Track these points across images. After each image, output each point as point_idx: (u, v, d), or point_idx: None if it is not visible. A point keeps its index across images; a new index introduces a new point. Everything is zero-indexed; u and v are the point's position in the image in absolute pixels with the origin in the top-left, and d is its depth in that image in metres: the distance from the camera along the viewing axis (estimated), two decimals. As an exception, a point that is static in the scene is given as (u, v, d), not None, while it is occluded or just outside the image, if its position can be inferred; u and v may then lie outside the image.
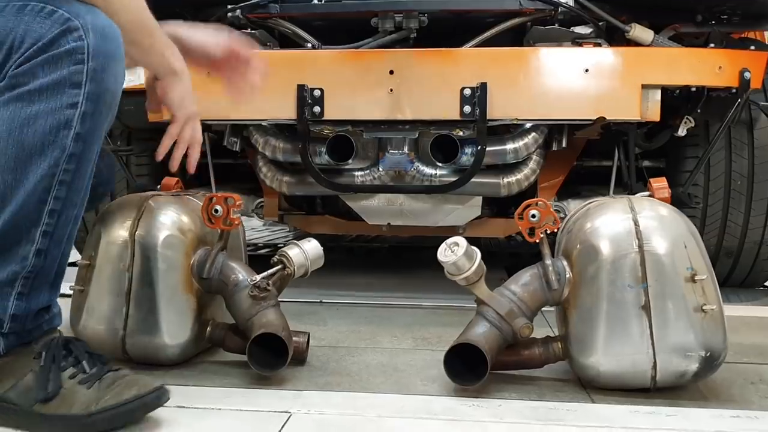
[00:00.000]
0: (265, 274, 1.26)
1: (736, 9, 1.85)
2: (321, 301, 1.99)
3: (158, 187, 1.57)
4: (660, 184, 1.40)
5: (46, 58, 0.96)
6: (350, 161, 1.89)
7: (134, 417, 1.01)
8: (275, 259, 1.29)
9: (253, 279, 1.24)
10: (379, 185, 1.96)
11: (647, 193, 1.40)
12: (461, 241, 1.20)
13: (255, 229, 4.01)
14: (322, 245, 1.37)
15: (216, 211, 1.25)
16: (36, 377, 1.01)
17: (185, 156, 1.23)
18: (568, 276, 1.18)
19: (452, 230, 2.16)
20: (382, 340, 1.56)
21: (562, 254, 1.21)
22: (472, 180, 1.89)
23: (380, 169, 1.96)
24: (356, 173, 1.97)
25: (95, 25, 0.99)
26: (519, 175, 1.97)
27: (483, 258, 1.21)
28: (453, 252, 1.19)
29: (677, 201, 2.06)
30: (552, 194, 2.23)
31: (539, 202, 1.16)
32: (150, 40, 1.14)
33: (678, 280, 1.12)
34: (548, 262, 1.19)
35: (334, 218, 2.37)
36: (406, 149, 1.93)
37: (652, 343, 1.11)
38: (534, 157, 1.96)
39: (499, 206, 2.35)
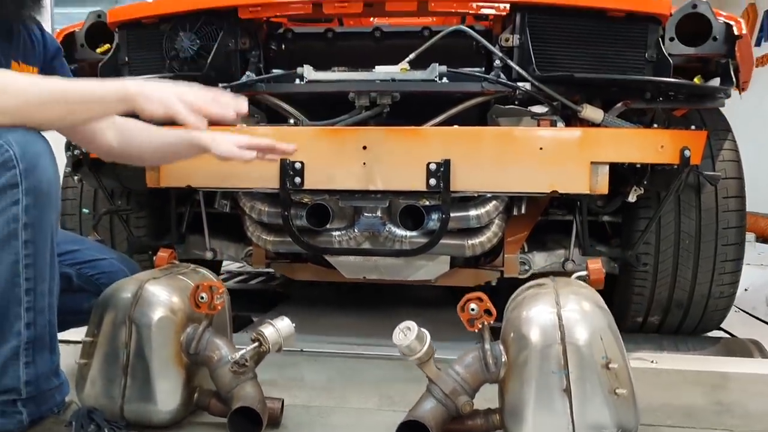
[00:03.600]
0: (243, 351, 1.44)
1: (681, 89, 2.05)
2: (302, 350, 2.17)
3: (154, 258, 1.77)
4: (595, 265, 1.60)
5: None
6: (327, 226, 2.08)
7: None
8: (252, 336, 1.48)
9: (234, 356, 1.43)
10: (354, 248, 2.14)
11: (585, 273, 1.60)
12: (413, 325, 1.39)
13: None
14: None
15: (202, 297, 1.44)
16: None
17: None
18: (503, 359, 1.37)
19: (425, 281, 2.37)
20: (350, 399, 1.74)
21: (501, 338, 1.40)
22: (440, 242, 2.08)
23: (356, 230, 2.14)
24: (334, 233, 2.16)
25: (16, 138, 1.21)
26: (482, 238, 2.16)
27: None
28: (406, 336, 1.38)
29: (626, 264, 2.27)
30: (518, 247, 2.42)
31: (479, 297, 1.35)
32: (66, 104, 1.26)
33: (595, 367, 1.31)
34: (487, 346, 1.37)
35: (316, 266, 2.56)
36: (379, 213, 2.12)
37: (572, 421, 1.30)
38: (496, 221, 2.15)
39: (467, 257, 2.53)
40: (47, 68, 1.62)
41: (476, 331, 1.37)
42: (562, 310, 1.34)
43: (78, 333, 1.54)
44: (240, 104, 1.40)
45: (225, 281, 3.58)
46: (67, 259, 1.62)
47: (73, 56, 2.32)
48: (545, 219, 2.47)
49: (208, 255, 2.53)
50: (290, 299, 3.11)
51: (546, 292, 1.42)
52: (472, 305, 1.35)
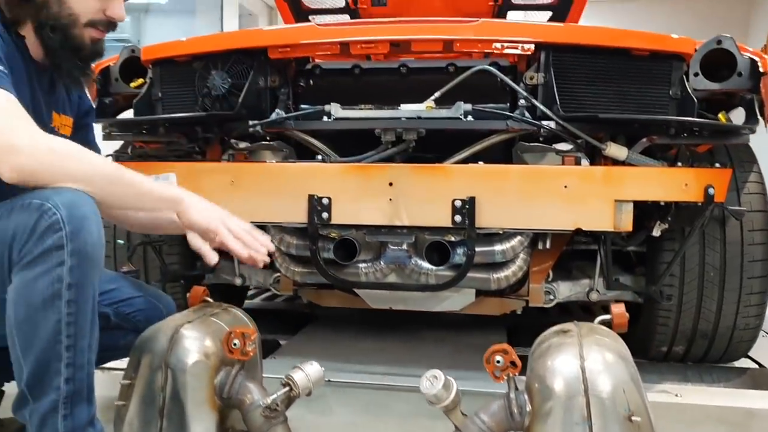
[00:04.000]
0: (274, 396, 1.49)
1: (705, 126, 2.06)
2: (329, 380, 2.21)
3: (187, 295, 1.83)
4: (619, 310, 1.62)
5: (36, 237, 1.25)
6: (354, 260, 2.12)
7: None
8: (283, 381, 1.52)
9: (265, 401, 1.48)
10: (380, 283, 2.18)
11: (608, 316, 1.63)
12: (439, 374, 1.43)
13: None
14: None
15: (235, 344, 1.49)
16: None
17: None
18: (528, 409, 1.40)
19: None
20: (376, 436, 1.79)
21: (526, 387, 1.43)
22: (465, 276, 2.11)
23: (382, 263, 2.18)
24: (360, 265, 2.20)
25: (63, 200, 1.27)
26: (508, 272, 2.18)
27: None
28: (432, 384, 1.42)
29: (650, 299, 2.28)
30: (543, 277, 2.45)
31: (504, 349, 1.39)
32: (127, 188, 1.40)
33: (618, 420, 1.33)
34: (512, 396, 1.41)
35: (343, 293, 2.60)
36: (405, 246, 2.16)
37: (596, 472, 1.33)
38: (521, 255, 2.18)
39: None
40: (79, 121, 1.69)
41: (501, 382, 1.40)
42: (586, 362, 1.37)
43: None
44: (269, 244, 1.61)
45: (251, 298, 3.65)
46: (105, 298, 1.67)
47: (107, 90, 2.39)
48: (570, 248, 2.49)
49: (238, 281, 2.59)
50: (316, 320, 3.16)
51: (570, 342, 1.44)
52: (498, 357, 1.38)
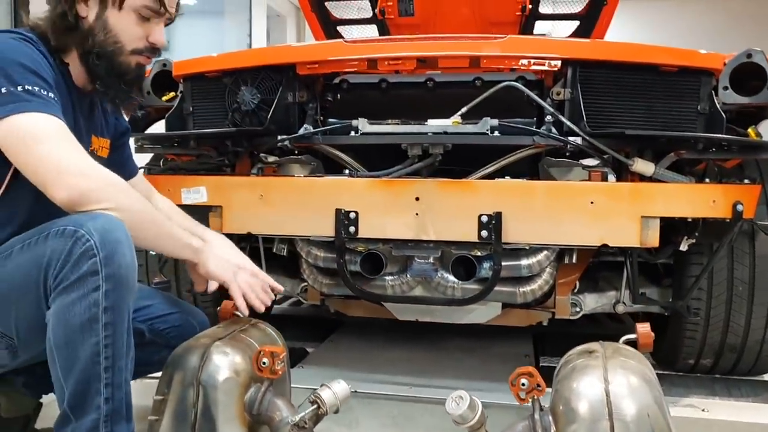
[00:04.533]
0: (302, 414, 1.53)
1: (734, 142, 2.04)
2: (356, 391, 2.24)
3: (218, 309, 1.87)
4: (644, 330, 1.62)
5: (71, 263, 1.31)
6: (381, 273, 2.15)
7: None
8: (311, 398, 1.56)
9: (294, 419, 1.51)
10: (407, 296, 2.20)
11: (634, 336, 1.63)
12: (465, 395, 1.45)
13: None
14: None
15: (264, 363, 1.52)
16: None
17: None
18: (552, 430, 1.41)
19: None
20: (403, 450, 1.82)
21: (550, 408, 1.45)
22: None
23: (408, 275, 2.21)
24: (387, 278, 2.23)
25: (96, 226, 1.33)
26: (534, 286, 2.20)
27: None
28: (458, 405, 1.44)
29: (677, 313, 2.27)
30: (569, 289, 2.45)
31: (530, 372, 1.40)
32: (159, 229, 1.51)
33: (642, 443, 1.35)
34: (537, 417, 1.42)
35: (370, 303, 2.63)
36: (431, 260, 2.18)
37: (620, 496, 1.34)
38: (548, 269, 2.19)
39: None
40: (116, 142, 1.74)
41: (526, 404, 1.41)
42: (610, 386, 1.38)
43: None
44: (268, 299, 1.76)
45: (278, 303, 3.69)
46: (140, 315, 1.72)
47: (140, 103, 2.44)
48: (596, 259, 2.48)
49: (266, 290, 2.62)
50: (343, 328, 3.19)
51: (595, 365, 1.45)
52: (523, 380, 1.40)
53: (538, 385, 1.40)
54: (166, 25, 1.59)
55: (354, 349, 2.82)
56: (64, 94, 1.51)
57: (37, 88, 1.38)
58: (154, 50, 1.59)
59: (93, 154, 1.64)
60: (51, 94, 1.40)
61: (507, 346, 2.83)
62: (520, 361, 2.67)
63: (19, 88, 1.36)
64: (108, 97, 1.59)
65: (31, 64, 1.40)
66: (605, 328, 3.24)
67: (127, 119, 1.91)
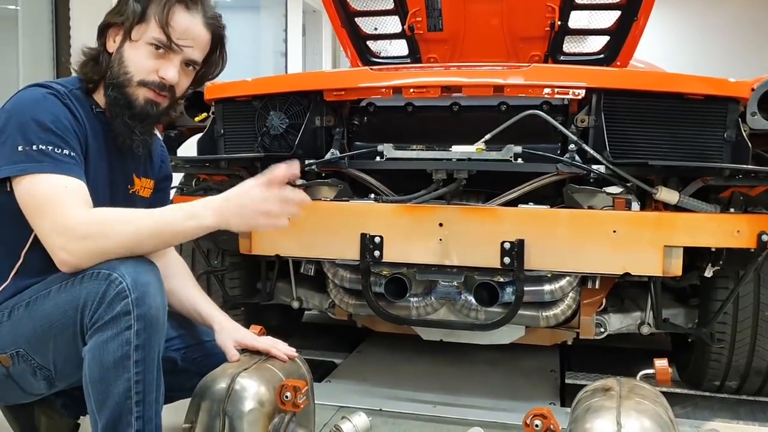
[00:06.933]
0: (324, 445, 1.58)
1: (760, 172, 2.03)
2: (381, 409, 2.30)
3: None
4: (662, 365, 1.64)
5: (105, 304, 1.37)
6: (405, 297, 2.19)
7: None
8: (332, 430, 1.61)
9: (315, 450, 1.57)
10: (431, 320, 2.24)
11: (652, 371, 1.65)
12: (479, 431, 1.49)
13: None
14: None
15: (287, 396, 1.58)
16: None
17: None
18: (566, 470, 1.45)
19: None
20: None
21: (564, 448, 1.48)
22: (515, 314, 2.15)
23: (432, 298, 2.25)
24: (411, 300, 2.27)
25: (127, 269, 1.39)
26: (557, 310, 2.22)
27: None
28: (474, 442, 1.49)
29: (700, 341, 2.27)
30: (594, 310, 2.45)
31: (543, 414, 1.43)
32: (166, 232, 1.47)
33: (654, 487, 1.37)
34: (551, 456, 1.46)
35: (396, 320, 2.68)
36: (455, 283, 2.21)
37: None
38: (571, 294, 2.20)
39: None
40: (159, 185, 1.80)
41: (540, 444, 1.45)
42: (623, 430, 1.40)
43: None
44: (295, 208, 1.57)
45: (307, 310, 3.75)
46: (174, 344, 1.79)
47: (173, 123, 2.52)
48: (621, 279, 2.48)
49: (295, 304, 2.69)
50: (371, 337, 3.24)
51: (609, 406, 1.48)
52: (537, 422, 1.43)
53: (551, 428, 1.43)
54: (188, 65, 1.61)
55: (380, 363, 2.87)
56: (100, 139, 1.57)
57: (50, 147, 1.43)
58: (163, 86, 1.58)
59: (135, 194, 1.70)
60: (66, 151, 1.45)
61: (533, 360, 2.85)
62: (545, 377, 2.69)
63: (33, 148, 1.42)
64: (116, 129, 1.59)
65: (49, 121, 1.45)
66: (633, 341, 3.24)
67: (161, 137, 1.95)
